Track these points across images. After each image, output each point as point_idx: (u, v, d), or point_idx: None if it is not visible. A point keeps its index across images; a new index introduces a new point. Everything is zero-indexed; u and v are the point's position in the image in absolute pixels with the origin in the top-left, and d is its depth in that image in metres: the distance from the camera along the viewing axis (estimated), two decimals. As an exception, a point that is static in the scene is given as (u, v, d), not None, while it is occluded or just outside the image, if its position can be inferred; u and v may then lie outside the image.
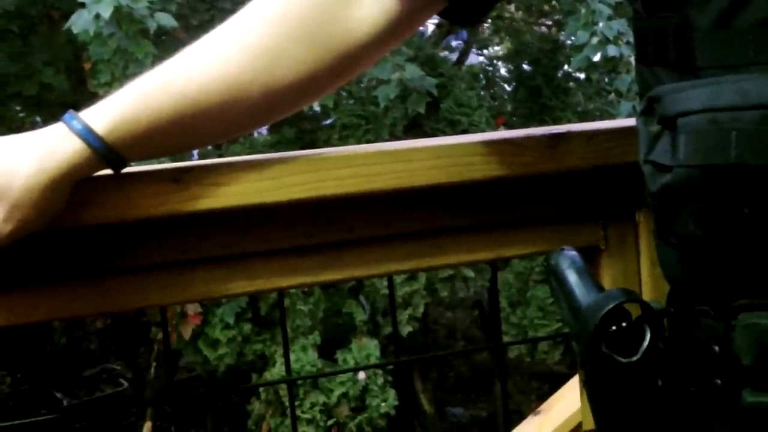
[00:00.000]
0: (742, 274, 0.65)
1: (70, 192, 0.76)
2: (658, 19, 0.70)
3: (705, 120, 0.63)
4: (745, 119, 0.62)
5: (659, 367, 0.69)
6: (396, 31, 0.82)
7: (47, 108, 5.52)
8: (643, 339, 0.68)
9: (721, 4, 0.65)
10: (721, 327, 0.66)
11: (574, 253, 0.75)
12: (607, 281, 0.97)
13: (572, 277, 0.73)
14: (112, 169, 0.78)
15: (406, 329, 5.58)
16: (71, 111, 0.75)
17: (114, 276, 0.85)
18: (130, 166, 0.80)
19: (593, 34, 4.96)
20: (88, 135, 0.74)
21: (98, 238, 0.83)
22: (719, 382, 0.67)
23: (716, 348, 0.66)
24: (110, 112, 0.76)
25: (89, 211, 0.79)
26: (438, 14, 0.84)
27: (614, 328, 0.68)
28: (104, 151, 0.75)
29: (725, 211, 0.63)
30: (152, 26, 4.36)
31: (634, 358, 0.68)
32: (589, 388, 0.72)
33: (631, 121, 0.80)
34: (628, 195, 0.95)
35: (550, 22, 7.38)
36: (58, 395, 6.93)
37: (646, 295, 0.97)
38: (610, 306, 0.68)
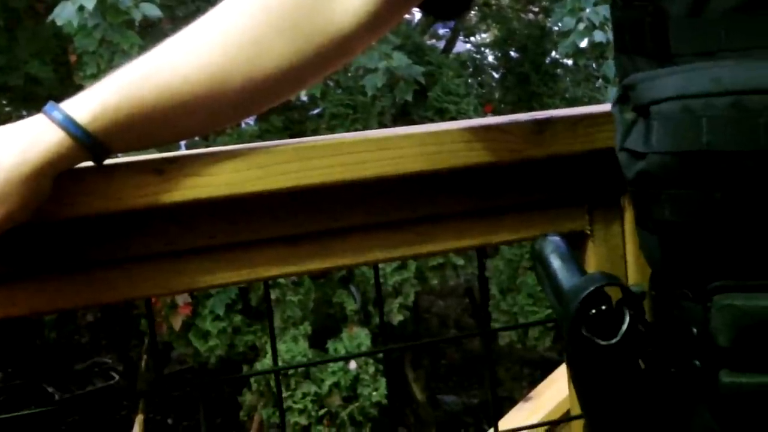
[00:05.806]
0: (717, 257, 0.66)
1: (53, 183, 0.76)
2: (635, 8, 0.71)
3: (677, 107, 0.64)
4: (716, 105, 0.62)
5: (640, 349, 0.70)
6: (378, 22, 0.82)
7: (34, 101, 5.49)
8: (622, 322, 0.69)
9: None
10: (699, 309, 0.67)
11: (558, 238, 0.76)
12: (593, 266, 0.97)
13: (556, 262, 0.74)
14: (95, 159, 0.78)
15: (397, 318, 5.57)
16: (51, 102, 0.75)
17: (100, 268, 0.85)
18: (116, 157, 0.80)
19: (580, 20, 4.96)
20: (68, 124, 0.74)
21: (83, 230, 0.83)
22: (698, 363, 0.67)
23: (695, 330, 0.67)
24: (92, 102, 0.75)
25: (72, 202, 0.79)
26: (420, 8, 0.84)
27: (594, 311, 0.69)
28: (86, 140, 0.75)
29: (698, 196, 0.64)
30: (137, 17, 4.34)
31: (613, 341, 0.68)
32: (572, 371, 0.73)
33: (616, 107, 0.80)
34: (613, 180, 0.95)
35: (537, 9, 7.37)
36: (50, 389, 6.93)
37: (632, 279, 0.97)
38: (590, 289, 0.69)
